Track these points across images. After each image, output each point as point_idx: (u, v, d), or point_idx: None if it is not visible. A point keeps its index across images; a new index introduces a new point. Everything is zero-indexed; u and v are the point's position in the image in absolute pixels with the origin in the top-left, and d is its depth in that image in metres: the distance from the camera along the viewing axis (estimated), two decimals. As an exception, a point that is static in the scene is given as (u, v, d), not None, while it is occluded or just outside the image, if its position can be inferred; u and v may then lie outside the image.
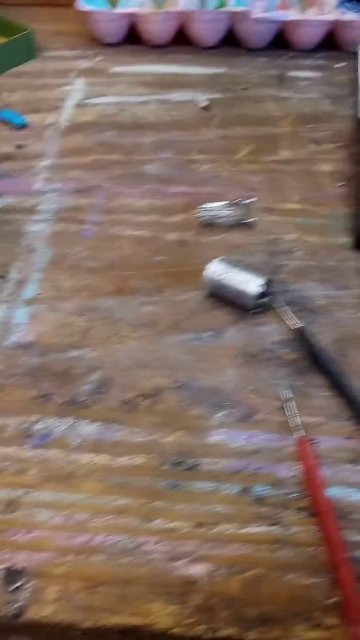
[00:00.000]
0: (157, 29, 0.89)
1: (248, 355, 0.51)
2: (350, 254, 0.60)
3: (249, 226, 0.63)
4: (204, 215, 0.63)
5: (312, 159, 0.71)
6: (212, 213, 0.63)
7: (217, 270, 0.54)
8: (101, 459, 0.45)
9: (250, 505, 0.43)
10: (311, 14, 0.88)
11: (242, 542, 0.41)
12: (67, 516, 0.42)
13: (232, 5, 0.87)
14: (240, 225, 0.63)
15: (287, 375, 0.50)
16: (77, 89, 0.83)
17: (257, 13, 0.85)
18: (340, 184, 0.67)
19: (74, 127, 0.76)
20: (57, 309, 0.55)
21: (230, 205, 0.63)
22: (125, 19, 0.89)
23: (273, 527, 0.41)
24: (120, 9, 0.88)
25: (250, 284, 0.53)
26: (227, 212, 0.62)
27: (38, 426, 0.46)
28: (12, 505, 0.42)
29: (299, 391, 0.49)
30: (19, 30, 0.88)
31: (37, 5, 1.02)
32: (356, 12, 0.85)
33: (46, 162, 0.71)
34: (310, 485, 0.43)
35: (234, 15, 0.86)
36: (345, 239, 0.61)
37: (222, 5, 0.90)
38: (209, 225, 0.63)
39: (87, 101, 0.81)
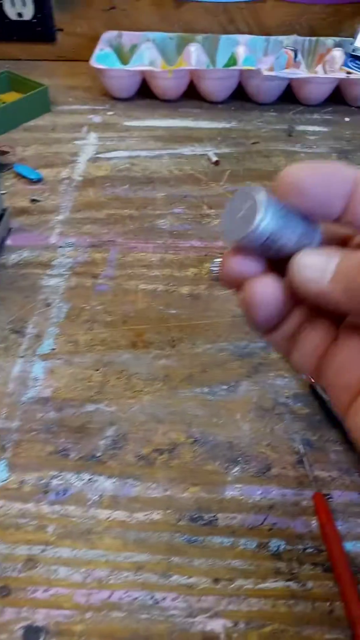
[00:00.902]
0: (169, 85, 0.91)
1: (262, 410, 0.52)
2: None
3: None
4: (216, 269, 0.64)
5: (321, 213, 0.72)
6: (224, 267, 0.64)
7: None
8: (119, 514, 0.45)
9: (267, 560, 0.43)
10: (318, 72, 0.91)
11: (259, 597, 0.41)
12: (85, 573, 0.42)
13: (241, 64, 0.90)
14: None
15: (301, 430, 0.51)
16: (89, 143, 0.86)
17: (267, 71, 0.88)
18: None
19: (88, 182, 0.78)
20: (73, 363, 0.56)
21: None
22: (138, 76, 0.92)
23: (290, 583, 0.42)
24: (133, 67, 0.91)
25: None
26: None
27: (56, 482, 0.47)
28: (31, 561, 0.42)
29: (313, 445, 0.49)
30: (34, 86, 0.90)
31: (51, 60, 1.05)
32: (361, 69, 0.88)
33: (61, 217, 0.72)
34: (326, 540, 0.43)
35: (243, 72, 0.89)
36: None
37: (232, 63, 0.93)
38: (221, 278, 0.64)
39: (99, 155, 0.83)
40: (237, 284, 0.30)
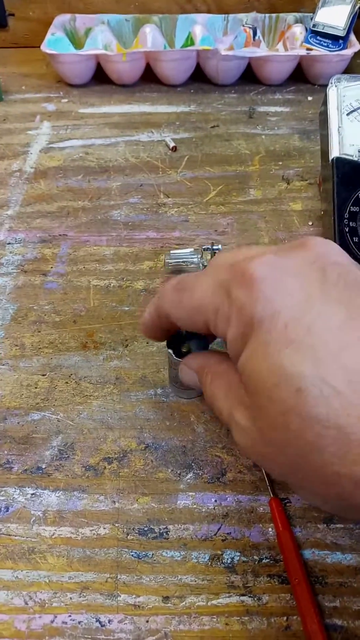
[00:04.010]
0: (124, 69, 0.88)
1: (217, 410, 0.50)
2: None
3: (217, 271, 0.61)
4: (171, 262, 0.61)
5: (281, 198, 0.70)
6: (179, 259, 0.61)
7: None
8: (64, 531, 0.42)
9: (220, 574, 0.41)
10: (279, 50, 0.87)
11: (211, 615, 0.39)
12: (27, 596, 0.39)
13: (198, 44, 0.87)
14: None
15: (257, 430, 0.48)
16: (43, 133, 0.82)
17: (224, 50, 0.84)
18: (310, 224, 0.66)
19: (40, 173, 0.75)
20: (19, 368, 0.53)
21: (197, 251, 0.61)
22: (92, 60, 0.89)
23: (244, 597, 0.39)
24: (85, 51, 0.87)
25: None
26: (195, 258, 0.61)
27: (-3, 498, 0.44)
28: (-32, 587, 0.40)
29: (270, 447, 0.47)
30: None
31: (3, 47, 1.01)
32: (323, 46, 0.85)
33: (10, 212, 0.69)
34: (282, 550, 0.41)
35: (201, 53, 0.86)
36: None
37: (189, 44, 0.89)
38: (177, 272, 0.61)
39: (52, 145, 0.80)
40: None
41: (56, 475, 0.45)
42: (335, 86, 0.56)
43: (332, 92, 0.56)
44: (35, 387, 0.51)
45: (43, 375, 0.52)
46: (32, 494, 0.44)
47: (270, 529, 0.42)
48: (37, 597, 0.39)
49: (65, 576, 0.40)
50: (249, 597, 0.39)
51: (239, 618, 0.39)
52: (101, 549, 0.42)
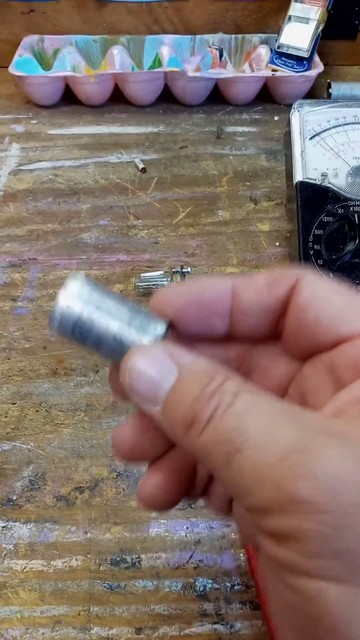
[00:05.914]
0: (92, 90, 0.88)
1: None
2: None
3: (187, 294, 0.61)
4: (141, 285, 0.61)
5: (249, 219, 0.70)
6: (150, 282, 0.61)
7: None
8: (35, 564, 0.42)
9: (192, 602, 0.41)
10: (245, 71, 0.88)
11: (185, 646, 0.39)
12: (-2, 632, 0.39)
13: (166, 65, 0.87)
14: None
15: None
16: (11, 155, 0.82)
17: (192, 72, 0.85)
18: (277, 244, 0.67)
19: (9, 196, 0.75)
20: (-10, 397, 0.53)
21: (168, 274, 0.61)
22: (60, 82, 0.89)
23: (217, 625, 0.40)
24: (53, 73, 0.87)
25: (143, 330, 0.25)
26: (165, 281, 0.61)
27: (-32, 531, 0.44)
28: None
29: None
30: None
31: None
32: (288, 67, 0.86)
33: (-21, 236, 0.69)
34: (254, 575, 0.41)
35: (169, 74, 0.86)
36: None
37: (157, 65, 0.90)
38: (148, 294, 0.62)
39: (22, 167, 0.80)
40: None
41: (27, 507, 0.45)
42: (298, 111, 0.57)
43: (294, 118, 0.57)
44: (5, 416, 0.51)
45: (13, 403, 0.52)
46: (2, 527, 0.44)
47: (241, 555, 0.43)
48: (9, 634, 0.39)
49: (37, 610, 0.40)
50: (222, 625, 0.40)
51: (211, 647, 0.39)
52: (73, 581, 0.42)
